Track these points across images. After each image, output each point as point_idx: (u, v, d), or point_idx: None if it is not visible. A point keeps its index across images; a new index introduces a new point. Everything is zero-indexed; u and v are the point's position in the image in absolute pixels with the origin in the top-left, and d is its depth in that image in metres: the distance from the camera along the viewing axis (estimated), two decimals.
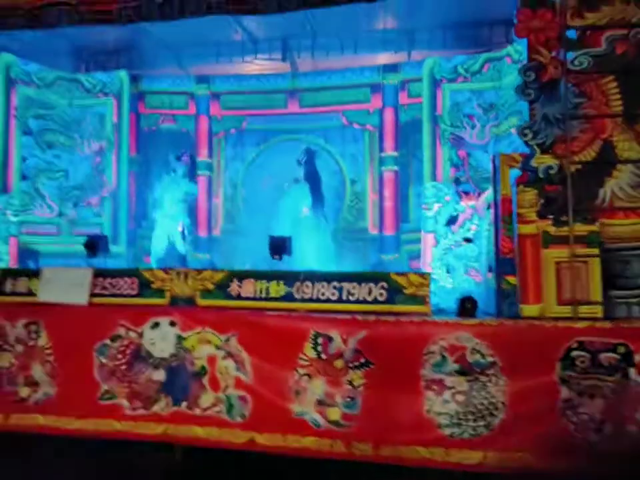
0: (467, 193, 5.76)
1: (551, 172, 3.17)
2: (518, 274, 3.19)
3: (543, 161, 3.18)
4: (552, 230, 3.14)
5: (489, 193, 3.72)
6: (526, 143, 3.24)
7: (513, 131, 5.79)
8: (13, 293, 3.76)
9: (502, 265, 3.29)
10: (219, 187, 7.73)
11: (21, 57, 6.49)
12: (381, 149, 7.41)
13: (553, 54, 3.20)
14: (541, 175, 3.17)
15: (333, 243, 7.03)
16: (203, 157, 7.66)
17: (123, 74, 7.03)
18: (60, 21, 3.88)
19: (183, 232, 6.73)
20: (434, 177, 6.09)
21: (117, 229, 6.73)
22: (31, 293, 3.70)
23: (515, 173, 3.27)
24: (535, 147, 3.20)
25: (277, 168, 7.59)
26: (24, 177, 6.42)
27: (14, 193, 6.12)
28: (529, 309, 3.15)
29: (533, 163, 3.20)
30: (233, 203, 7.81)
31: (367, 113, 7.47)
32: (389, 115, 7.39)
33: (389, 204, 7.34)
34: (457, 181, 5.90)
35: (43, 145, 6.62)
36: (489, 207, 3.69)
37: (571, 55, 3.19)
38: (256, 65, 7.56)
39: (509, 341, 3.00)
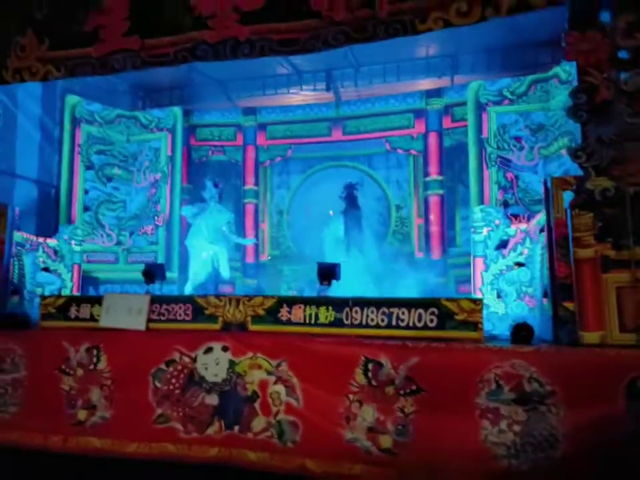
0: (516, 216, 5.64)
1: (608, 194, 3.07)
2: (576, 300, 3.06)
3: (599, 184, 3.09)
4: (611, 254, 3.02)
5: (541, 216, 3.63)
6: (580, 165, 3.16)
7: (563, 152, 5.68)
8: (77, 318, 3.96)
9: (558, 290, 3.17)
10: (265, 214, 7.93)
11: (83, 97, 7.02)
12: (426, 174, 7.41)
13: (605, 75, 3.14)
14: (597, 198, 3.07)
15: (379, 268, 7.01)
16: (250, 185, 7.92)
17: (177, 110, 7.44)
18: (125, 66, 4.18)
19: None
20: (481, 200, 6.01)
21: (169, 256, 7.00)
22: (93, 319, 3.88)
23: (569, 195, 3.18)
24: (590, 169, 3.12)
25: (321, 195, 7.73)
26: (86, 209, 6.88)
27: (78, 224, 6.55)
28: (590, 336, 3.02)
29: (589, 185, 3.10)
30: (279, 229, 7.98)
31: (411, 138, 7.52)
32: (433, 140, 7.41)
33: (435, 228, 7.29)
34: (506, 204, 5.79)
35: (103, 178, 7.08)
36: (541, 230, 3.59)
37: (624, 75, 3.12)
38: (300, 96, 7.83)
39: (569, 370, 2.87)
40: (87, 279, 6.29)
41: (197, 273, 6.73)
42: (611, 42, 3.16)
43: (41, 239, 5.45)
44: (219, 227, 6.84)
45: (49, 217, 6.62)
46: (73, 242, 5.86)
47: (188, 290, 6.58)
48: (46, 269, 5.44)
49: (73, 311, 3.95)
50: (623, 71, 3.13)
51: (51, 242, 5.65)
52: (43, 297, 4.12)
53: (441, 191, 7.30)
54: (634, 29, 3.12)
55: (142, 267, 6.72)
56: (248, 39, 3.89)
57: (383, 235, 7.44)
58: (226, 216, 6.97)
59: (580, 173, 3.18)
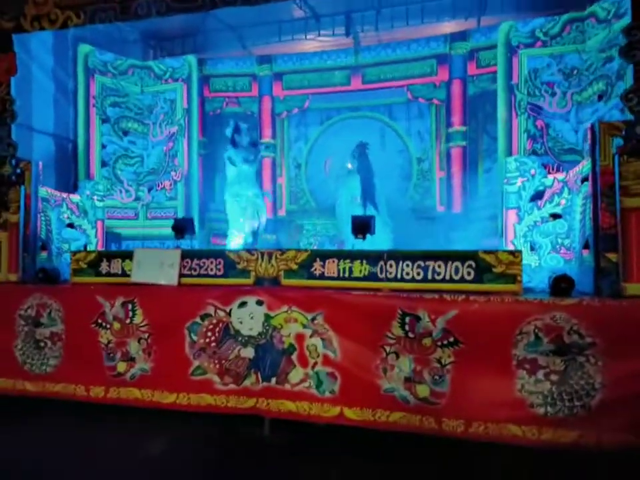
0: (545, 166, 5.46)
1: None
2: (620, 250, 3.00)
3: None
4: None
5: (584, 164, 3.48)
6: (630, 109, 3.00)
7: (597, 97, 5.42)
8: (108, 274, 3.97)
9: (601, 240, 3.09)
10: (283, 168, 7.78)
11: (94, 46, 6.76)
12: (449, 124, 7.15)
13: None
14: None
15: (400, 223, 6.93)
16: (266, 138, 7.71)
17: (191, 58, 7.16)
18: (150, 12, 3.97)
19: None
20: (509, 150, 5.81)
21: (189, 212, 6.94)
22: (124, 274, 3.90)
23: (618, 142, 3.04)
24: None
25: (340, 147, 7.50)
26: (104, 164, 6.77)
27: (98, 179, 6.47)
28: (634, 288, 2.97)
29: (639, 130, 2.96)
30: (297, 183, 7.84)
31: (434, 87, 7.20)
32: (456, 88, 7.08)
33: (457, 181, 7.12)
34: (535, 153, 5.59)
35: (120, 132, 6.92)
36: (584, 180, 3.46)
37: None
38: (318, 42, 7.47)
39: (611, 321, 2.86)
40: (109, 235, 6.28)
41: (243, 226, 6.38)
42: None
43: (64, 195, 5.40)
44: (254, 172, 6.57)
45: (67, 171, 6.52)
46: (95, 197, 5.81)
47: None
48: (71, 225, 5.43)
49: (104, 266, 3.96)
50: None
51: (74, 197, 5.61)
52: (74, 253, 4.12)
53: (464, 143, 7.05)
54: None
55: (162, 222, 6.77)
56: None
57: (404, 190, 7.28)
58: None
59: (616, 119, 3.01)
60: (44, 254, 4.72)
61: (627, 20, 4.88)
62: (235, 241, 6.28)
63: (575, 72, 5.59)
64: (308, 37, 7.34)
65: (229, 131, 6.55)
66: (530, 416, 2.87)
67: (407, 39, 7.20)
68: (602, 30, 5.32)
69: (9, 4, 4.26)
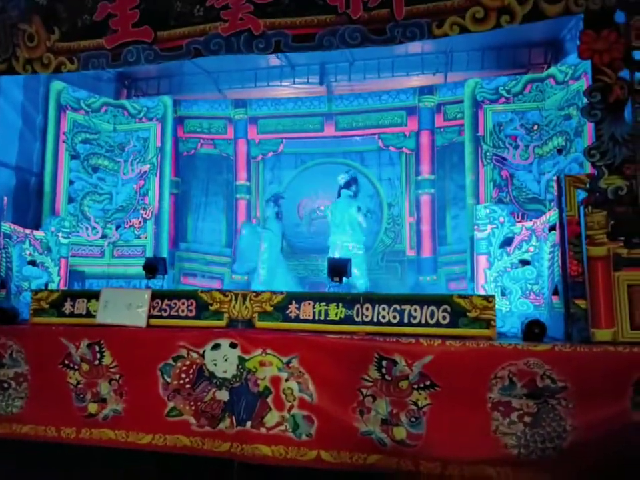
0: (511, 214, 5.68)
1: (621, 193, 3.11)
2: (589, 297, 3.10)
3: (612, 182, 3.12)
4: (624, 252, 3.06)
5: (551, 214, 3.64)
6: (593, 164, 3.19)
7: (557, 151, 5.76)
8: (72, 314, 3.78)
9: (570, 287, 3.20)
10: (257, 210, 7.79)
11: (68, 83, 6.73)
12: (418, 172, 7.40)
13: (619, 75, 3.17)
14: (610, 196, 3.11)
15: (372, 266, 7.01)
16: (242, 180, 7.75)
17: (167, 99, 7.20)
18: (139, 59, 4.03)
19: None
20: (476, 198, 6.04)
21: (158, 251, 6.79)
22: (89, 314, 3.72)
23: (582, 194, 3.20)
24: (603, 168, 3.15)
25: (313, 190, 7.65)
26: (70, 200, 6.59)
27: (64, 215, 6.27)
28: (602, 334, 3.06)
29: (602, 183, 3.14)
30: None
31: (404, 136, 7.49)
32: (425, 138, 7.40)
33: (425, 226, 7.31)
34: (501, 201, 5.83)
35: (89, 169, 6.80)
36: (551, 229, 3.61)
37: (638, 76, 3.16)
38: (293, 89, 7.69)
39: (582, 367, 2.93)
40: (72, 273, 6.04)
41: None
42: (625, 42, 3.19)
43: (27, 231, 5.19)
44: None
45: (26, 206, 6.30)
46: (60, 234, 5.61)
47: None
48: (32, 262, 5.20)
49: (67, 306, 3.78)
50: (636, 71, 3.16)
51: (38, 234, 5.39)
52: (35, 292, 3.92)
53: (432, 190, 7.31)
54: None
55: (129, 261, 6.60)
56: (263, 32, 3.79)
57: (375, 233, 7.40)
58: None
59: (575, 173, 3.20)
60: (2, 292, 4.48)
61: (582, 82, 5.32)
62: None
63: (536, 127, 5.95)
64: (283, 83, 7.55)
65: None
66: (504, 457, 2.89)
67: (378, 90, 7.52)
68: (560, 90, 5.73)
69: (1, 45, 4.23)
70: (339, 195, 6.91)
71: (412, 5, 3.59)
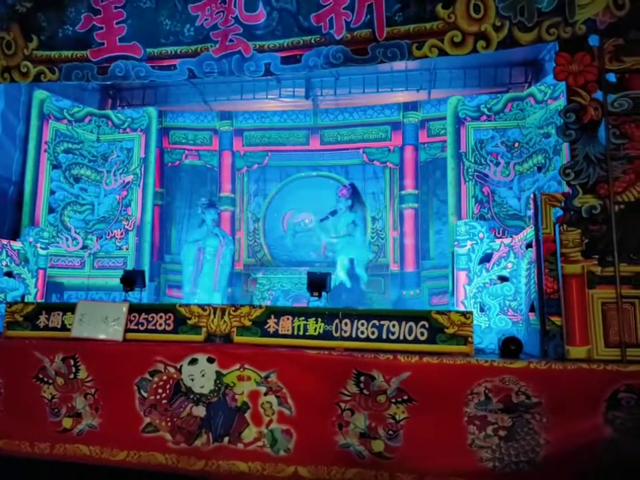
0: (491, 229, 5.75)
1: (595, 212, 3.16)
2: (563, 315, 3.13)
3: (586, 201, 3.18)
4: (597, 270, 3.10)
5: (528, 231, 3.70)
6: (568, 183, 3.24)
7: (537, 168, 5.87)
8: (46, 327, 3.71)
9: (546, 304, 3.23)
10: (242, 222, 7.77)
11: (50, 92, 6.68)
12: (401, 187, 7.49)
13: (593, 96, 3.25)
14: (584, 215, 3.16)
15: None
16: (226, 192, 7.75)
17: (152, 110, 7.18)
18: (129, 75, 4.01)
19: None
20: (458, 214, 6.11)
21: (139, 262, 6.72)
22: (64, 328, 3.65)
23: (557, 212, 3.26)
24: (578, 187, 3.21)
25: (298, 203, 7.67)
26: (51, 210, 6.51)
27: (43, 225, 6.19)
28: (576, 351, 3.08)
29: (576, 202, 3.19)
30: (255, 237, 7.84)
31: (388, 151, 7.58)
32: (409, 153, 7.50)
33: (409, 241, 7.36)
34: (482, 217, 5.91)
35: (70, 179, 6.73)
36: (528, 246, 3.66)
37: (611, 97, 3.24)
38: (279, 102, 7.75)
39: (556, 383, 2.95)
40: (50, 285, 5.94)
41: None
42: (599, 64, 3.27)
43: (4, 241, 5.10)
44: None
45: (4, 216, 6.19)
46: (38, 245, 5.52)
47: None
48: (9, 274, 5.10)
49: (42, 320, 3.71)
50: (610, 93, 3.25)
51: (15, 245, 5.30)
52: (9, 304, 3.84)
53: (415, 205, 7.39)
54: (621, 53, 3.25)
55: (109, 272, 6.51)
56: (252, 55, 3.82)
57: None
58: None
59: (553, 190, 3.26)
60: None
61: (561, 102, 5.44)
62: None
63: (517, 145, 6.07)
64: (269, 96, 7.61)
65: None
66: (479, 470, 2.91)
67: (363, 105, 7.62)
68: (540, 109, 5.85)
69: None
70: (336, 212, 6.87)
71: (393, 27, 3.66)
